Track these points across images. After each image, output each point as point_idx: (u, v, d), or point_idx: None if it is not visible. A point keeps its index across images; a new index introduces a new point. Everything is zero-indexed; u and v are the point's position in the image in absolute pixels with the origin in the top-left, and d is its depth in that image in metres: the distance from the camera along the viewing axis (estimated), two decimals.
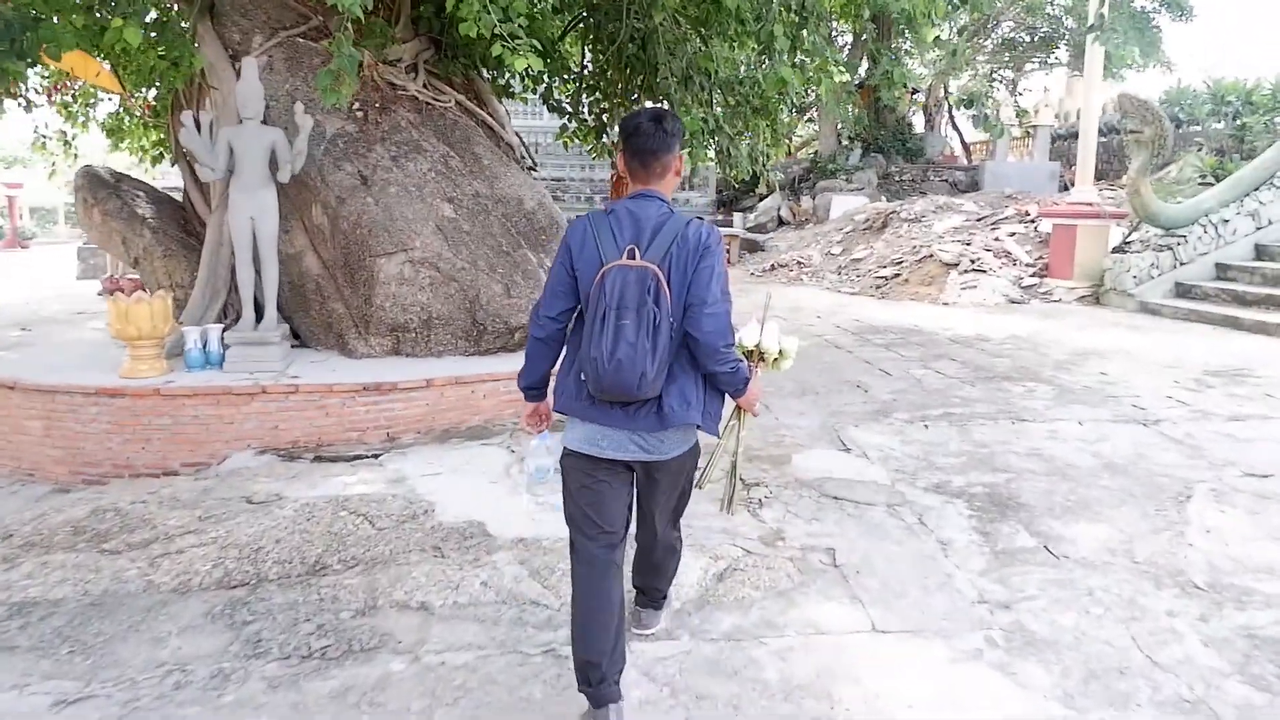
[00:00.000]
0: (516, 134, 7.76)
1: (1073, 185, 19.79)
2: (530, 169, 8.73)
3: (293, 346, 6.08)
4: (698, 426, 2.33)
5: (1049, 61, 24.58)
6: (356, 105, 6.03)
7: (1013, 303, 11.11)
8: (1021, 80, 26.32)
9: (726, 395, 2.42)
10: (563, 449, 2.39)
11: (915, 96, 22.89)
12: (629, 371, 2.10)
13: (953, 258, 12.00)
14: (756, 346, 2.53)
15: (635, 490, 2.43)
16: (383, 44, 6.42)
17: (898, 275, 12.43)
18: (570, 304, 2.31)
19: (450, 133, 6.31)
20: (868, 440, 5.04)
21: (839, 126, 21.95)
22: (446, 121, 6.38)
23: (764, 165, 10.11)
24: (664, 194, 2.33)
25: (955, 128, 25.66)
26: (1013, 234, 12.71)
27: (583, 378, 2.23)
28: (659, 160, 2.29)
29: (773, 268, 15.19)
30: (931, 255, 12.35)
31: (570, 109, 8.99)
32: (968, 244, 12.43)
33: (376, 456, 4.84)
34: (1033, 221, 13.00)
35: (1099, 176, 20.48)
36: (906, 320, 9.74)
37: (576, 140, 9.35)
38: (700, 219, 2.30)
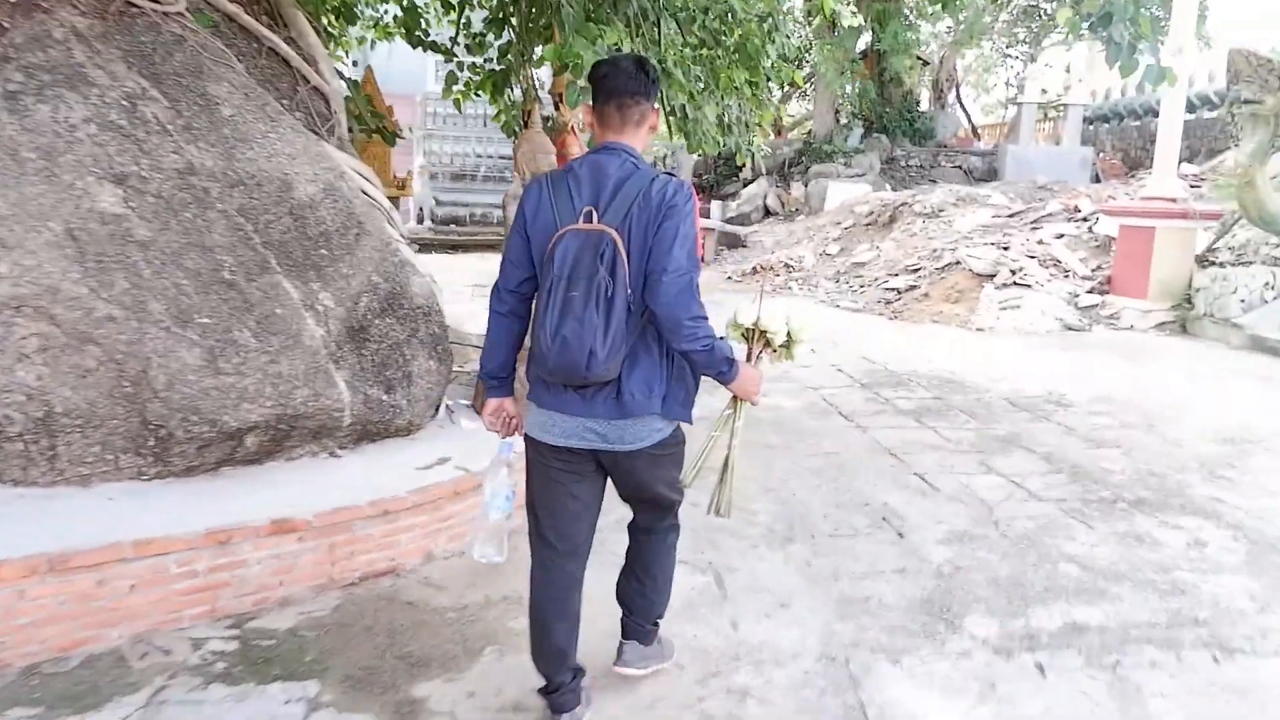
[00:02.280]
0: (347, 79, 4.96)
1: (1106, 175, 17.13)
2: (395, 137, 5.94)
3: None
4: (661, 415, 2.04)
5: (1075, 36, 21.79)
6: None
7: (1069, 329, 8.39)
8: (1040, 55, 23.55)
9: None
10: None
11: (924, 69, 20.10)
12: (575, 350, 1.86)
13: (987, 267, 9.25)
14: (754, 325, 2.22)
15: (608, 481, 2.16)
16: None
17: (914, 288, 9.68)
18: (531, 273, 2.05)
19: (164, 59, 3.49)
20: (924, 713, 2.31)
21: (837, 102, 19.13)
22: (162, 39, 3.55)
23: (742, 138, 7.32)
24: (633, 147, 2.06)
25: (963, 107, 22.89)
26: (1061, 236, 9.97)
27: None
28: (638, 106, 2.06)
29: (755, 270, 12.41)
30: (958, 262, 9.60)
31: (458, 48, 6.18)
32: (1005, 248, 9.69)
33: None
34: (1085, 220, 10.27)
35: (1135, 165, 17.82)
36: (937, 361, 6.98)
37: (477, 94, 6.56)
38: (670, 174, 2.00)
